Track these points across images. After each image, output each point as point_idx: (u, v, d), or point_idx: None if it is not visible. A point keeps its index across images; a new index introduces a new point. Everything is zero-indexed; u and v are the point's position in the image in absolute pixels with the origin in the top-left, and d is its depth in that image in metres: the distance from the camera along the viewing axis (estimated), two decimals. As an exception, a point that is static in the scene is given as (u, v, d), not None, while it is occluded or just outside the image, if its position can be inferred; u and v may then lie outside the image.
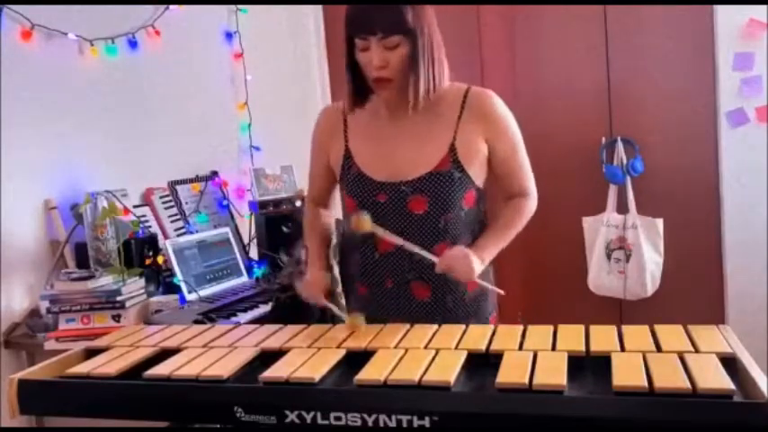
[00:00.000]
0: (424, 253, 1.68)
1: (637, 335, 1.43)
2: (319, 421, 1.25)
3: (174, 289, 2.65)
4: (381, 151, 1.75)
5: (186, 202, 3.06)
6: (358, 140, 1.79)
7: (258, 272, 2.99)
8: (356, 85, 1.74)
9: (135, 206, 2.77)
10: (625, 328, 1.46)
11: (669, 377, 1.19)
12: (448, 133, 1.72)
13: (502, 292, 1.77)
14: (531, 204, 1.82)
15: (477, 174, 1.75)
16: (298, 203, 3.12)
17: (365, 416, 1.23)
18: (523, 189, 1.81)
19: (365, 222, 1.68)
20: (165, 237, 2.85)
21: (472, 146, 1.72)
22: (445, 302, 1.76)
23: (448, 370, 1.30)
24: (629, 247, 3.36)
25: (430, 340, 1.50)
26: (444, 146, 1.71)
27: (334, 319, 1.91)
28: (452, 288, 1.75)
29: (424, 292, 1.76)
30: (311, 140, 1.91)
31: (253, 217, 3.19)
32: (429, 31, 1.67)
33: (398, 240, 1.69)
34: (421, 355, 1.39)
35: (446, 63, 1.73)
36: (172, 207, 3.00)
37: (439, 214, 1.72)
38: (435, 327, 1.58)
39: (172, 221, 2.98)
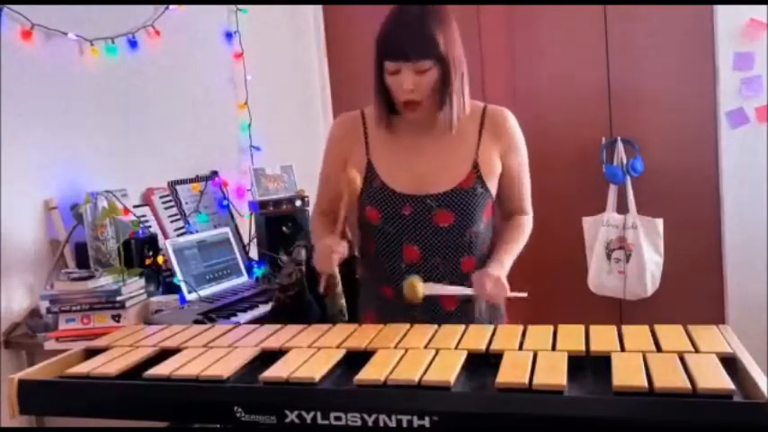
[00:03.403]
0: (463, 290, 1.73)
1: (637, 335, 1.43)
2: (319, 421, 1.25)
3: (174, 289, 2.65)
4: (404, 164, 1.78)
5: (186, 202, 3.06)
6: (379, 152, 1.81)
7: (258, 272, 2.99)
8: (386, 106, 1.75)
9: (135, 206, 2.77)
10: (625, 328, 1.46)
11: (669, 377, 1.19)
12: (470, 150, 1.77)
13: (524, 294, 1.77)
14: (531, 223, 1.90)
15: (494, 187, 1.81)
16: (298, 203, 3.12)
17: (365, 416, 1.23)
18: (525, 208, 1.89)
19: (418, 289, 1.67)
20: (165, 237, 2.85)
21: (491, 163, 1.78)
22: (470, 312, 1.79)
23: (448, 370, 1.30)
24: (629, 247, 3.36)
25: (430, 340, 1.50)
26: (468, 162, 1.76)
27: (335, 319, 1.92)
28: (473, 300, 1.79)
29: (450, 304, 1.79)
30: (326, 148, 1.91)
31: (253, 217, 3.19)
32: (459, 53, 1.71)
33: (447, 291, 1.73)
34: (421, 355, 1.39)
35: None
36: (172, 207, 3.00)
37: (464, 228, 1.76)
38: (435, 327, 1.58)
39: (172, 221, 2.98)
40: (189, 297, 2.64)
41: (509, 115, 1.82)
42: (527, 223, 1.88)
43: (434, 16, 1.66)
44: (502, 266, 1.74)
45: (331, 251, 1.72)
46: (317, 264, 1.78)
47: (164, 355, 1.54)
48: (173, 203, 3.01)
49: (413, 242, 1.76)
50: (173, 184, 3.04)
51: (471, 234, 1.76)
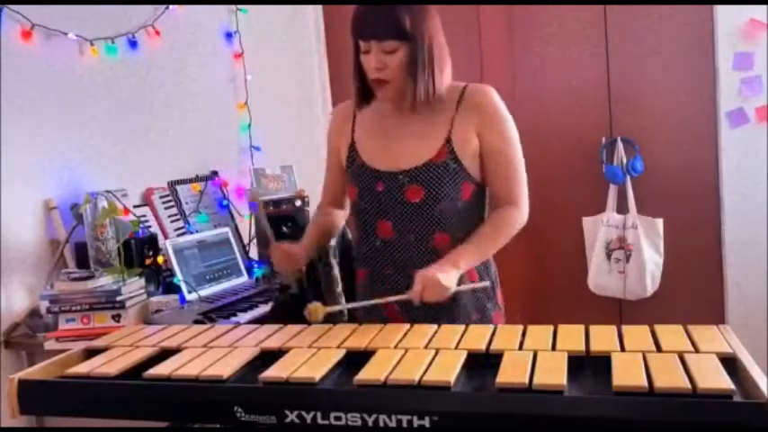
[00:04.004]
0: (393, 298, 1.71)
1: (637, 335, 1.43)
2: (319, 421, 1.25)
3: (174, 289, 2.65)
4: (383, 143, 1.81)
5: (186, 202, 3.06)
6: (363, 133, 1.86)
7: (258, 272, 2.99)
8: (362, 85, 1.78)
9: (135, 206, 2.77)
10: (625, 328, 1.47)
11: (669, 377, 1.19)
12: (445, 125, 1.76)
13: (487, 283, 1.78)
14: (519, 216, 1.79)
15: (474, 167, 1.78)
16: (298, 203, 3.12)
17: (365, 416, 1.23)
18: (512, 196, 1.79)
19: (318, 312, 1.71)
20: (165, 237, 2.85)
21: (466, 138, 1.75)
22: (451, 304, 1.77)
23: (448, 370, 1.30)
24: (629, 247, 3.36)
25: (430, 340, 1.50)
26: (441, 137, 1.75)
27: (335, 319, 1.92)
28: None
29: None
30: (327, 138, 1.99)
31: (253, 217, 3.19)
32: (430, 36, 1.71)
33: (357, 305, 1.77)
34: (421, 355, 1.39)
35: (449, 67, 1.78)
36: (172, 207, 3.00)
37: (434, 203, 1.75)
38: (435, 327, 1.58)
39: (172, 221, 2.98)
40: (189, 297, 2.64)
41: (489, 90, 1.79)
42: (510, 216, 1.78)
43: None
44: (457, 256, 1.69)
45: (286, 257, 1.83)
46: (275, 260, 1.87)
47: (164, 355, 1.54)
48: (173, 203, 3.01)
49: (386, 218, 1.78)
50: (173, 184, 3.04)
51: (442, 210, 1.74)
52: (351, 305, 1.80)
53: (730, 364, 1.27)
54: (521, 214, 1.80)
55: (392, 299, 1.71)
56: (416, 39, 1.68)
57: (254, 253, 3.19)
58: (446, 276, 1.63)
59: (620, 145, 3.39)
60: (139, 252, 2.58)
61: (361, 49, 1.72)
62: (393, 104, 1.80)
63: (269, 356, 1.47)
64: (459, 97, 1.77)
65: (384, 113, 1.83)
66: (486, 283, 1.78)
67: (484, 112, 1.76)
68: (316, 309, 1.70)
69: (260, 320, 2.36)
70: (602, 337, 1.43)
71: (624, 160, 3.37)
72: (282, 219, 3.07)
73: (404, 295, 1.67)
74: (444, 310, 1.73)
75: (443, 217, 1.75)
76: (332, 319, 1.93)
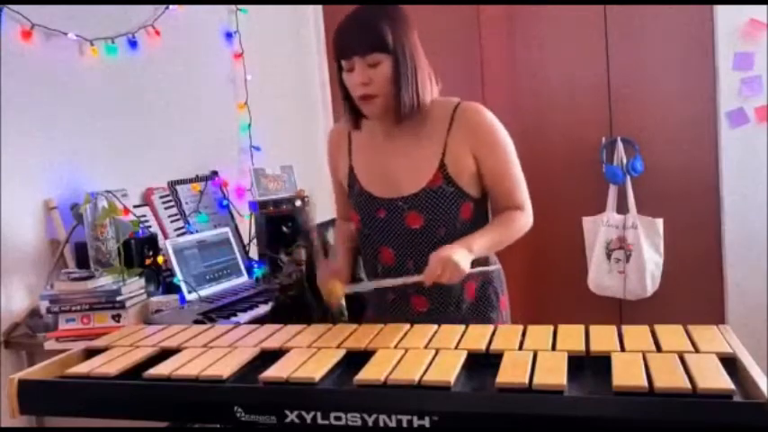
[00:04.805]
0: (406, 279, 1.70)
1: (637, 335, 1.43)
2: (319, 421, 1.25)
3: (174, 289, 2.65)
4: (379, 168, 1.79)
5: (186, 202, 3.06)
6: (360, 158, 1.84)
7: (258, 272, 2.99)
8: (351, 106, 1.77)
9: (135, 206, 2.77)
10: (625, 328, 1.46)
11: (669, 377, 1.19)
12: (437, 149, 1.74)
13: (497, 266, 1.82)
14: (524, 218, 1.79)
15: (471, 186, 1.75)
16: (298, 203, 3.11)
17: (365, 416, 1.23)
18: (516, 202, 1.78)
19: (338, 290, 1.70)
20: (165, 237, 2.85)
21: (460, 160, 1.73)
22: (446, 313, 1.78)
23: (448, 370, 1.30)
24: (629, 247, 3.36)
25: (430, 340, 1.50)
26: (435, 162, 1.73)
27: (335, 319, 1.92)
28: (451, 299, 1.77)
29: (422, 304, 1.78)
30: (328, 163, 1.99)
31: (253, 217, 3.19)
32: (411, 49, 1.70)
33: (374, 284, 1.75)
34: (421, 355, 1.39)
35: (432, 80, 1.77)
36: (172, 207, 3.00)
37: (435, 228, 1.74)
38: (435, 327, 1.58)
39: (172, 221, 2.98)
40: (189, 297, 2.64)
41: (480, 110, 1.76)
42: (518, 217, 1.77)
43: (383, 13, 1.68)
44: (466, 247, 1.66)
45: (329, 282, 1.80)
46: (320, 279, 1.85)
47: (164, 355, 1.54)
48: (173, 203, 3.01)
49: (388, 245, 1.78)
50: (173, 184, 3.04)
51: (444, 235, 1.73)
52: (370, 284, 1.78)
53: (730, 364, 1.26)
54: (526, 217, 1.80)
55: (404, 280, 1.70)
56: (398, 50, 1.66)
57: (254, 253, 3.19)
58: (461, 257, 1.63)
59: (620, 145, 3.39)
60: (139, 252, 2.58)
61: (345, 69, 1.70)
62: (382, 124, 1.78)
63: (269, 356, 1.47)
64: (451, 116, 1.74)
65: (376, 134, 1.81)
66: (497, 266, 1.83)
67: (478, 135, 1.73)
68: (334, 287, 1.69)
69: (260, 320, 2.36)
70: (602, 337, 1.43)
71: (624, 160, 3.38)
72: (282, 219, 3.07)
73: (417, 276, 1.66)
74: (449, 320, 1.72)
75: (445, 241, 1.73)
76: (332, 319, 1.94)
